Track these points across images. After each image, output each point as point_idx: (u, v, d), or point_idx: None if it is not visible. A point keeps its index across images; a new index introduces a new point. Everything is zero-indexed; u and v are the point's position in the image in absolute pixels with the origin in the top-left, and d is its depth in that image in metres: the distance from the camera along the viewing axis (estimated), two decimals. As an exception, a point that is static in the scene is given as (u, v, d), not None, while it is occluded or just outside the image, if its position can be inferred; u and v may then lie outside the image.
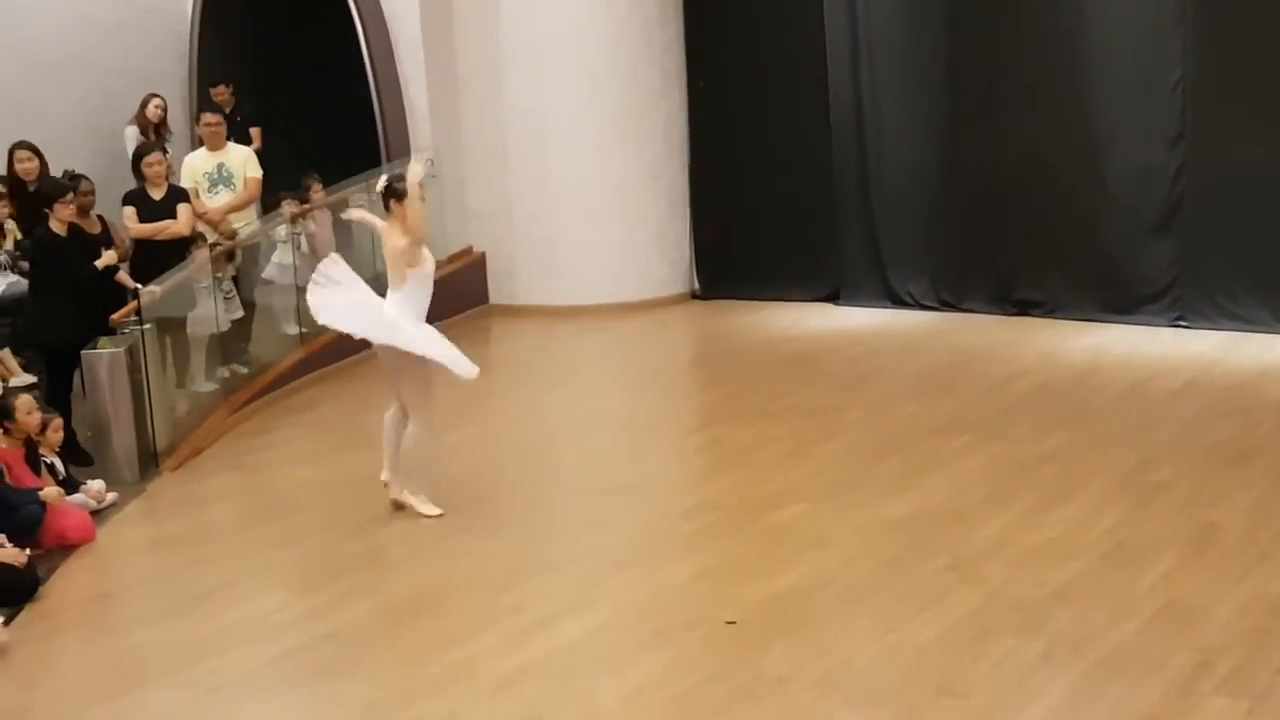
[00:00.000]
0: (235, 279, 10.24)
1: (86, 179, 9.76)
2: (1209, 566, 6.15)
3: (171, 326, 9.24)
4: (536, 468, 8.51)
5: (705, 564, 6.61)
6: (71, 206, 8.72)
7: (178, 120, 12.37)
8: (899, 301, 12.43)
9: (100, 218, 9.51)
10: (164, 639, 6.02)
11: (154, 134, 11.54)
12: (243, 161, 10.31)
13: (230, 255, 10.21)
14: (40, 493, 7.15)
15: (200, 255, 9.59)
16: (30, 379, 9.03)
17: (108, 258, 8.82)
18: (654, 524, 7.29)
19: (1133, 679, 5.11)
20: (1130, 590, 5.92)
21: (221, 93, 11.89)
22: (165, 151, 10.02)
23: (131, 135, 11.62)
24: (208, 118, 10.47)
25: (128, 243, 9.76)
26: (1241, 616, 5.60)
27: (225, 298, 9.99)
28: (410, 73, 12.69)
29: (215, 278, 9.77)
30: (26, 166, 9.91)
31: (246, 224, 10.42)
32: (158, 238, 9.54)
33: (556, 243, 13.01)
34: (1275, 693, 4.96)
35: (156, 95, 11.79)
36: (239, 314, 10.19)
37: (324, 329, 10.86)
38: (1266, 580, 5.95)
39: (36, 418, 7.60)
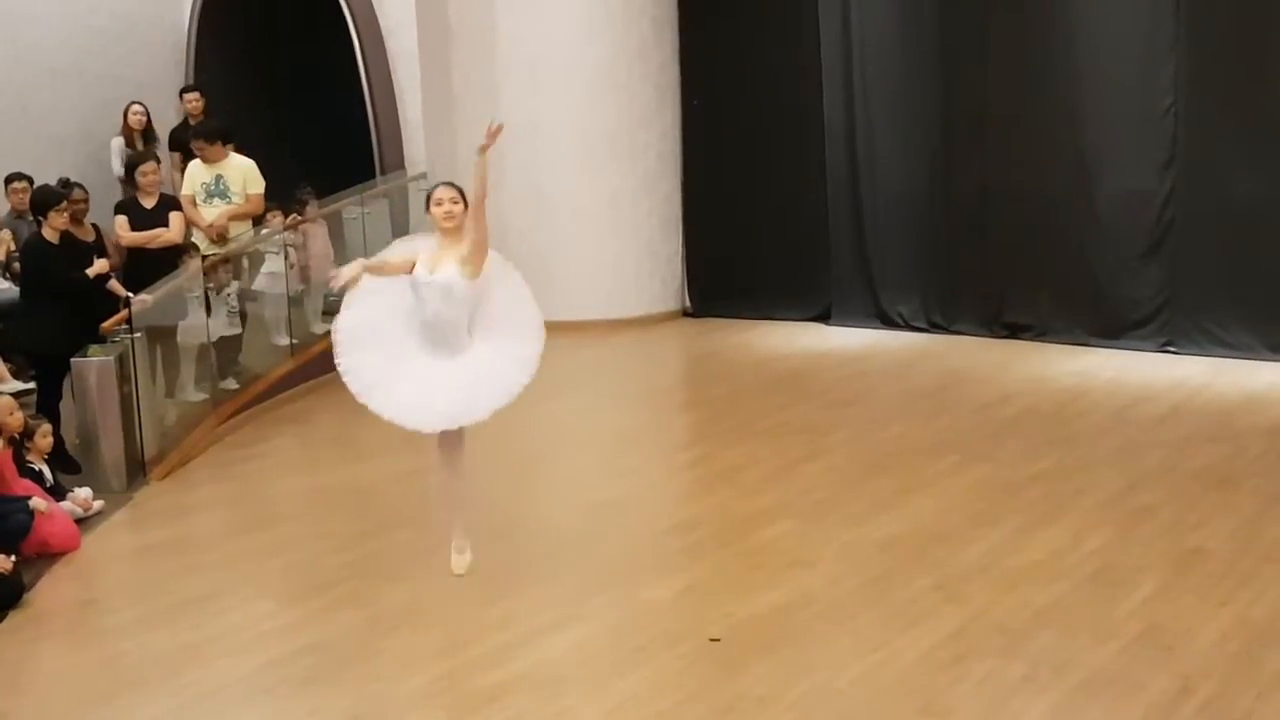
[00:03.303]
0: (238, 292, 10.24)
1: (80, 187, 9.78)
2: (1192, 591, 6.17)
3: (162, 336, 9.24)
4: (524, 482, 8.52)
5: (690, 581, 6.62)
6: (65, 214, 8.73)
7: (169, 130, 12.34)
8: (889, 322, 12.47)
9: (94, 226, 9.52)
10: (148, 647, 6.02)
11: (140, 143, 11.52)
12: (241, 174, 10.28)
13: (229, 267, 10.21)
14: (30, 502, 7.14)
15: (192, 265, 9.60)
16: (19, 385, 9.04)
17: (99, 266, 8.83)
18: (640, 540, 7.30)
19: (1113, 702, 5.12)
20: (1113, 613, 5.94)
21: (192, 100, 11.83)
22: (158, 160, 10.03)
23: (117, 147, 11.64)
24: (193, 143, 10.39)
25: (122, 251, 9.80)
26: (1224, 641, 5.62)
27: (229, 311, 9.98)
28: (406, 85, 12.73)
29: (208, 288, 9.77)
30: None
31: (240, 233, 10.42)
32: (150, 246, 9.56)
33: (549, 258, 13.02)
34: (1255, 718, 4.98)
35: (137, 102, 11.76)
36: (236, 331, 10.18)
37: (315, 337, 10.98)
38: (1249, 605, 5.97)
39: (19, 418, 7.60)
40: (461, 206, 6.33)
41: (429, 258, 6.30)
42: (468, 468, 6.73)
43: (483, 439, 9.23)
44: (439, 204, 6.34)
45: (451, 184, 6.44)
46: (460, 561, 6.67)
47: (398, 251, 6.50)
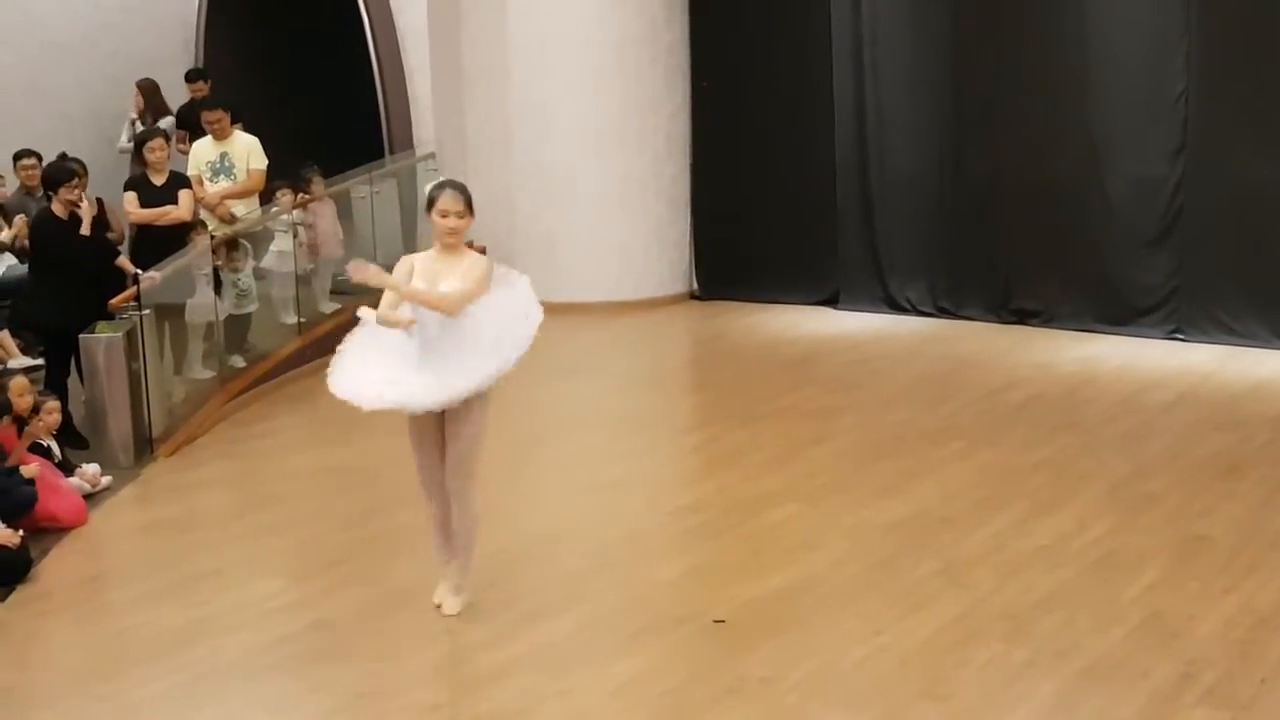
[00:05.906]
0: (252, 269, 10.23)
1: (79, 162, 9.77)
2: (1196, 578, 6.18)
3: (170, 313, 9.25)
4: (530, 463, 8.52)
5: (695, 563, 6.64)
6: (76, 190, 8.74)
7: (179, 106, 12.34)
8: (897, 307, 12.45)
9: (99, 200, 9.52)
10: (154, 623, 6.05)
11: (151, 119, 11.52)
12: (245, 151, 10.28)
13: (235, 246, 10.20)
14: (21, 469, 7.07)
15: (201, 242, 9.61)
16: (29, 361, 9.06)
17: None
18: (645, 522, 7.32)
19: (1116, 688, 5.14)
20: (1117, 600, 5.95)
21: (197, 87, 11.82)
22: (166, 137, 10.03)
23: (129, 123, 11.65)
24: (208, 115, 10.39)
25: (130, 226, 9.79)
26: (1227, 628, 5.63)
27: (240, 293, 9.97)
28: (415, 64, 12.69)
29: (216, 265, 9.76)
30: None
31: (248, 212, 10.42)
32: (159, 224, 9.56)
33: (557, 239, 13.03)
34: (1258, 705, 4.99)
35: (142, 80, 11.78)
36: (252, 308, 10.17)
37: (323, 316, 10.99)
38: (1253, 593, 5.98)
39: (29, 399, 7.62)
40: (468, 220, 5.77)
41: (426, 271, 5.73)
42: (472, 504, 5.90)
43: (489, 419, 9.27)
44: (444, 215, 5.69)
45: (459, 190, 5.76)
46: (453, 602, 5.96)
47: (402, 272, 5.83)
